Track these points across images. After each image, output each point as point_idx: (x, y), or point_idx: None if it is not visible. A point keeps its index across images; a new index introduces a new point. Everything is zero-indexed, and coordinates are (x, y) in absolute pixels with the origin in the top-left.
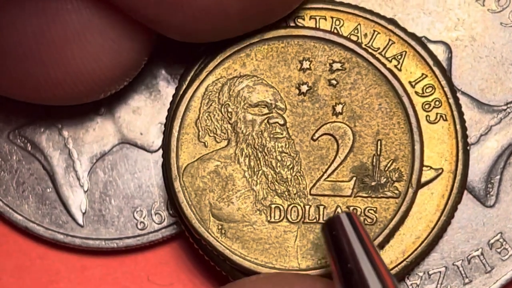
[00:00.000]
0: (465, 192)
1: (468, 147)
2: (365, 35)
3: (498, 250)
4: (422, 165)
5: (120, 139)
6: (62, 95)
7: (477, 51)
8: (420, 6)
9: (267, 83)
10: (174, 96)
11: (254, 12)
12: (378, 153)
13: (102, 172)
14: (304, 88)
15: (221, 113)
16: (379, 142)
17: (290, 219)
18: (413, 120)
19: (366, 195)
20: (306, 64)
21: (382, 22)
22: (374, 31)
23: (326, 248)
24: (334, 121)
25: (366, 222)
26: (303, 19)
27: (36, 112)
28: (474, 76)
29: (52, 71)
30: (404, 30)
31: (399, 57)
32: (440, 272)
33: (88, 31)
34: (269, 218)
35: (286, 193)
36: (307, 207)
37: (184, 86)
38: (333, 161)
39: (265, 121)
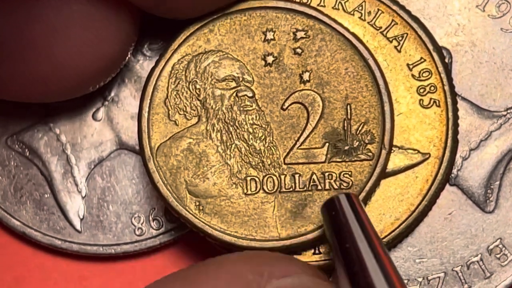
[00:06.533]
0: (465, 197)
1: (457, 135)
2: (369, 13)
3: (498, 256)
4: (393, 125)
5: (118, 145)
6: (49, 91)
7: (477, 57)
8: (421, 11)
9: (232, 57)
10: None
11: None
12: (349, 117)
13: (100, 178)
14: (269, 59)
15: (189, 90)
16: (348, 106)
17: (267, 190)
18: (380, 82)
19: (340, 160)
20: (270, 35)
21: (387, 1)
22: (378, 9)
23: (326, 227)
24: (302, 89)
25: (342, 186)
26: None
27: (34, 118)
28: (474, 81)
29: (36, 68)
30: (408, 12)
31: (400, 38)
32: (439, 277)
33: (69, 26)
34: (245, 191)
35: (261, 164)
36: (282, 176)
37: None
38: (304, 128)
39: (234, 94)
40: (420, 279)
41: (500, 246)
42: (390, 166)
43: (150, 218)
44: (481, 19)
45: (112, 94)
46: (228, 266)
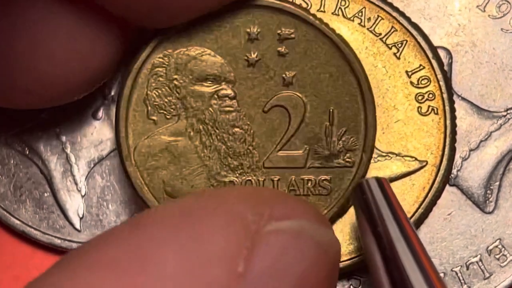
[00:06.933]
0: (464, 198)
1: (455, 143)
2: (369, 19)
3: (497, 256)
4: (375, 132)
5: None
6: (33, 100)
7: (478, 57)
8: (421, 11)
9: (214, 55)
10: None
11: None
12: (331, 122)
13: (99, 176)
14: (252, 59)
15: (169, 88)
16: (331, 111)
17: None
18: (364, 87)
19: (320, 166)
20: (254, 34)
21: (387, 8)
22: (378, 16)
23: (355, 211)
24: (285, 92)
25: (320, 192)
26: None
27: (34, 117)
28: (474, 82)
29: (19, 79)
30: (408, 19)
31: (400, 45)
32: None
33: (54, 40)
34: None
35: (240, 167)
36: (261, 180)
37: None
38: (285, 132)
39: (214, 94)
40: None
41: (500, 246)
42: (387, 173)
43: None
44: (481, 19)
45: (112, 93)
46: (228, 204)
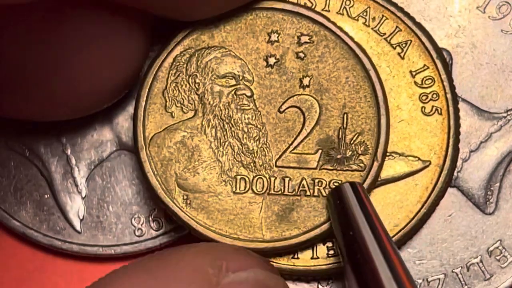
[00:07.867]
0: (465, 199)
1: (458, 144)
2: (373, 18)
3: (497, 257)
4: (388, 138)
5: (118, 146)
6: (66, 111)
7: (478, 58)
8: (421, 12)
9: (235, 55)
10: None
11: None
12: (344, 126)
13: (100, 178)
14: (271, 60)
15: (189, 83)
16: (345, 115)
17: (255, 191)
18: (379, 94)
19: (332, 168)
20: (274, 37)
21: (392, 8)
22: (383, 16)
23: (331, 216)
24: (301, 94)
25: None
26: None
27: None
28: (475, 83)
29: (54, 91)
30: (412, 19)
31: (404, 45)
32: (439, 279)
33: (87, 50)
34: (234, 189)
35: (252, 164)
36: (272, 178)
37: (153, 57)
38: (299, 133)
39: (232, 92)
40: (420, 281)
41: (500, 247)
42: (390, 173)
43: (150, 219)
44: (481, 21)
45: None
46: (189, 259)
